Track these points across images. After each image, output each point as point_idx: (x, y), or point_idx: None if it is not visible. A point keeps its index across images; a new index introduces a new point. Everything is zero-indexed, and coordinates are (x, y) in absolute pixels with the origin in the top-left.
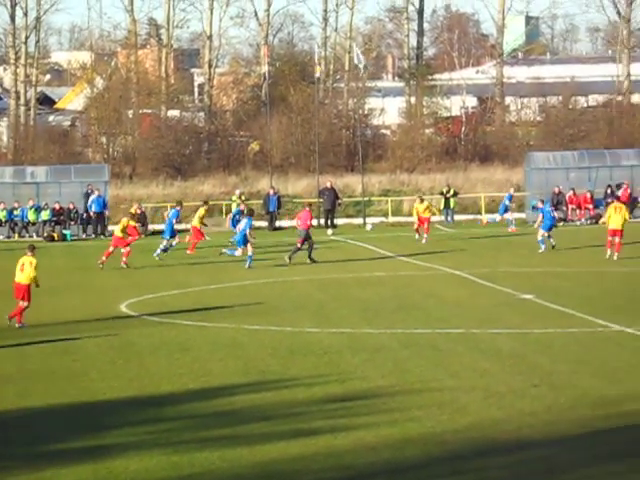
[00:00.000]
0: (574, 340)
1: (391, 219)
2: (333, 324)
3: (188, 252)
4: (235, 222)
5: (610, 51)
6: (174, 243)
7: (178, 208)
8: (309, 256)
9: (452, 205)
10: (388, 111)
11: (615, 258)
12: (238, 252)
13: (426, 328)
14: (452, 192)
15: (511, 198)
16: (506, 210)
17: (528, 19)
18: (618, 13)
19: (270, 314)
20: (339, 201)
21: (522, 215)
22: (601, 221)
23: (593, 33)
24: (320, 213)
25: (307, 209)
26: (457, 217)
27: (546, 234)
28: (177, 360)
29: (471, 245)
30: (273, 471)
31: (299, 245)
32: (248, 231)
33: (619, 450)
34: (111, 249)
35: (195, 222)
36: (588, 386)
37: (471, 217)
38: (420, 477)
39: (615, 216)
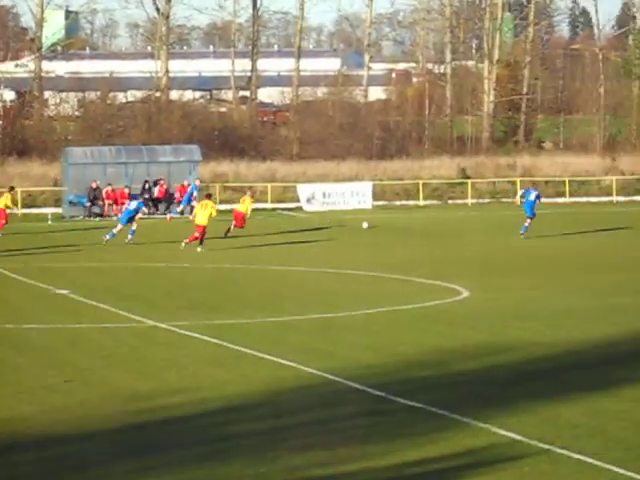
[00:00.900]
0: (108, 335)
1: None
2: None
3: None
4: None
5: (149, 47)
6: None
7: None
8: None
9: None
10: None
11: (199, 250)
12: None
13: None
14: None
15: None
16: (190, 201)
17: (68, 13)
18: (157, 9)
19: None
20: None
21: (59, 210)
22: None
23: (133, 29)
24: None
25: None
26: None
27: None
28: None
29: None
30: None
31: None
32: None
33: (147, 445)
34: None
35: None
36: (121, 381)
37: (15, 211)
38: None
39: (202, 212)
